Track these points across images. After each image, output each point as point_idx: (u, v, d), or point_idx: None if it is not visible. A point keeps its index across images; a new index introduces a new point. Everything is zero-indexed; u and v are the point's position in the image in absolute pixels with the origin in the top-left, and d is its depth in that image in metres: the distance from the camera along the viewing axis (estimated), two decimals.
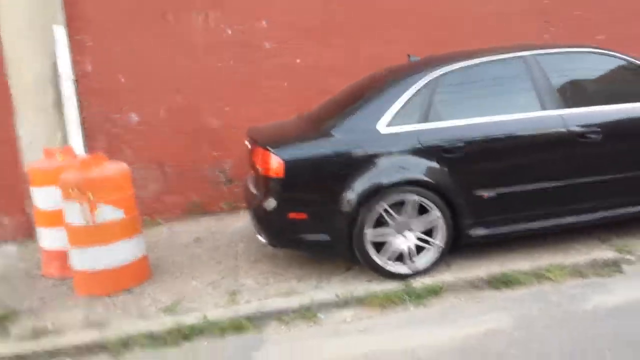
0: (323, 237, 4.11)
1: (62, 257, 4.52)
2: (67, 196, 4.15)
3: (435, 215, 4.06)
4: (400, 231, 4.10)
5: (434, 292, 3.91)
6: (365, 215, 3.99)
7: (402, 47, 6.00)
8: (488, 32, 6.25)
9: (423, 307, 3.81)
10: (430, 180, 4.05)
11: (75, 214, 4.13)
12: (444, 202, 4.07)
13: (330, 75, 6.03)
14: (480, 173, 4.18)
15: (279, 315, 3.81)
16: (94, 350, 3.57)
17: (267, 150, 4.12)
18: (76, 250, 4.20)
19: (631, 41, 6.23)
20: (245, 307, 3.89)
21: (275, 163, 4.05)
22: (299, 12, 6.11)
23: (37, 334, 3.70)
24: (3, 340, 3.69)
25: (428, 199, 4.05)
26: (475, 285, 3.99)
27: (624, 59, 4.53)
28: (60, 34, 5.61)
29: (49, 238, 4.62)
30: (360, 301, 3.90)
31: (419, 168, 4.07)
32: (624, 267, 4.06)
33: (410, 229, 4.10)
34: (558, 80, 4.40)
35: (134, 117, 5.95)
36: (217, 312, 3.83)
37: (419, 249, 4.12)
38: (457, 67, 4.35)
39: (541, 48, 4.57)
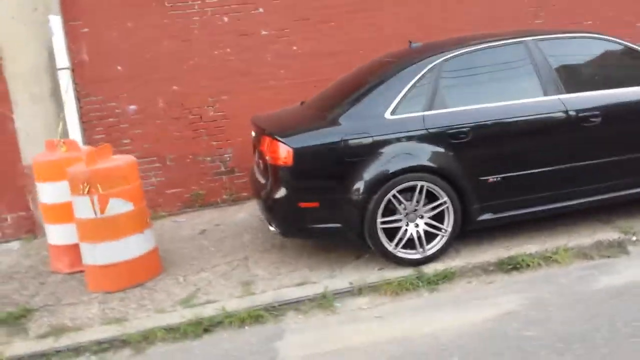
0: (334, 225, 4.15)
1: (70, 252, 4.50)
2: (76, 190, 4.11)
3: (444, 200, 4.13)
4: (410, 218, 4.16)
5: (446, 277, 3.99)
6: (375, 203, 4.04)
7: (393, 31, 6.07)
8: (478, 17, 6.33)
9: (437, 293, 3.89)
10: (437, 166, 4.12)
11: (85, 208, 4.11)
12: (452, 187, 4.14)
13: (327, 61, 6.05)
14: (486, 158, 4.24)
15: (296, 305, 3.86)
16: (115, 345, 3.59)
17: (276, 139, 4.13)
18: (87, 245, 4.18)
19: (620, 26, 6.37)
20: (261, 297, 3.94)
21: (284, 152, 4.07)
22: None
23: (56, 331, 3.70)
24: (23, 339, 3.68)
25: (436, 184, 4.11)
26: (485, 269, 4.08)
27: (623, 44, 4.62)
28: (55, 21, 5.50)
29: (57, 233, 4.58)
30: (374, 288, 3.96)
31: (426, 154, 4.14)
32: (629, 247, 4.18)
33: (419, 216, 4.17)
34: (560, 65, 4.48)
35: (132, 107, 5.89)
36: (234, 303, 3.87)
37: (429, 235, 4.19)
38: (460, 52, 4.41)
39: (542, 34, 4.64)
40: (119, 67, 5.84)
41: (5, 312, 4.01)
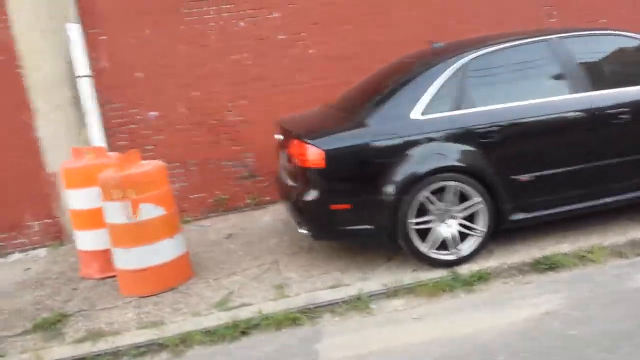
0: (366, 226, 4.13)
1: (100, 257, 4.50)
2: (108, 196, 4.11)
3: (476, 200, 4.11)
4: (442, 218, 4.14)
5: (482, 278, 3.97)
6: (407, 204, 4.02)
7: (406, 33, 6.07)
8: (491, 18, 6.33)
9: (473, 294, 3.86)
10: (468, 166, 4.10)
11: (117, 213, 4.10)
12: (484, 187, 4.12)
13: (343, 64, 6.06)
14: (517, 157, 4.22)
15: (331, 307, 3.84)
16: (152, 349, 3.58)
17: (305, 141, 4.12)
18: (120, 250, 4.18)
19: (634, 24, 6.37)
20: (296, 299, 3.92)
21: (314, 154, 4.06)
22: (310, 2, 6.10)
23: (93, 335, 3.69)
24: (60, 344, 3.67)
25: (468, 184, 4.09)
26: (520, 269, 4.05)
27: None
28: (74, 29, 5.51)
29: (87, 239, 4.58)
30: (410, 290, 3.94)
31: (456, 154, 4.12)
32: None
33: (452, 216, 4.15)
34: (586, 62, 4.47)
35: (153, 114, 5.89)
36: (269, 306, 3.85)
37: (462, 236, 4.16)
38: (487, 51, 4.40)
39: (564, 32, 4.63)
40: (138, 74, 5.85)
41: (41, 317, 4.01)
